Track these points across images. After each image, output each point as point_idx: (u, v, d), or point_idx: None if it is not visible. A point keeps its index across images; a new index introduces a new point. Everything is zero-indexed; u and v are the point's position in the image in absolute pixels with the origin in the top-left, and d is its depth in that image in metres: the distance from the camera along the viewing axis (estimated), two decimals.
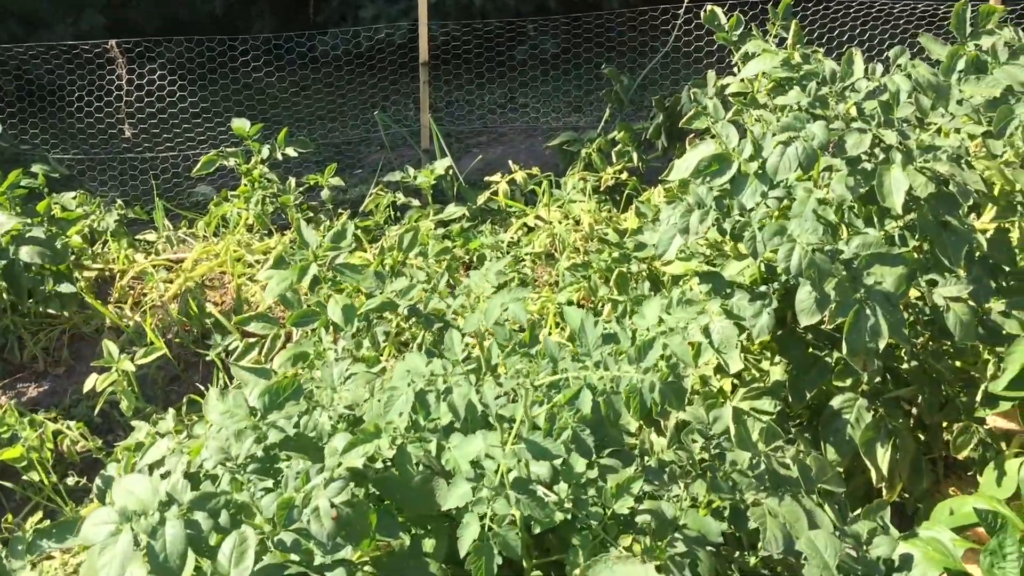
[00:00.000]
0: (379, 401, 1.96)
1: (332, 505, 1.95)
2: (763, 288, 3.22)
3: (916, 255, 3.25)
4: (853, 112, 3.23)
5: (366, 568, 2.33)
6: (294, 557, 2.14)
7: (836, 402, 3.29)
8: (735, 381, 3.69)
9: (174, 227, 5.45)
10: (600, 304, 4.59)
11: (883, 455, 3.21)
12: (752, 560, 2.96)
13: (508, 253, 4.99)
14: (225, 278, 4.91)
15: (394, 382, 1.96)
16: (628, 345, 2.35)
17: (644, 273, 4.37)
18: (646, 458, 2.78)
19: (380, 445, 2.06)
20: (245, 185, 5.32)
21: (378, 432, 2.07)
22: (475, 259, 4.96)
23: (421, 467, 2.42)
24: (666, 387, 1.94)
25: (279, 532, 2.11)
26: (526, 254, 4.95)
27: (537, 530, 2.27)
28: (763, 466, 2.57)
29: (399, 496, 2.32)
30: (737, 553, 2.92)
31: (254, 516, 2.09)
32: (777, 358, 3.47)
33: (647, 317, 2.25)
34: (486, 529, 1.90)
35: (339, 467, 2.22)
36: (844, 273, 3.00)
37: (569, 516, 2.31)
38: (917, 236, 3.13)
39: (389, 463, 2.31)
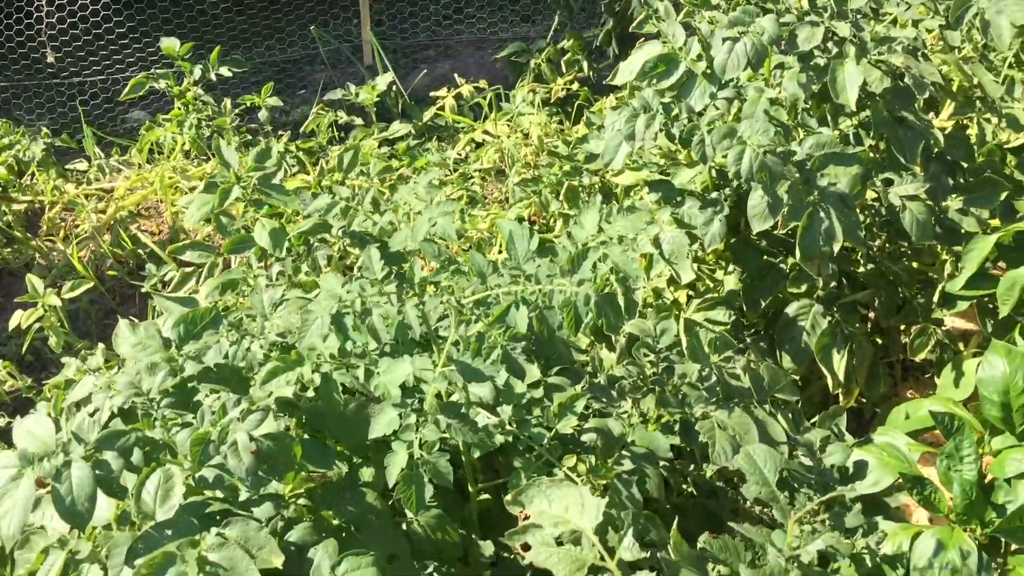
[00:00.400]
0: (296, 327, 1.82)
1: (251, 439, 1.82)
2: (714, 195, 3.09)
3: (872, 154, 3.14)
4: (805, 4, 3.07)
5: (300, 501, 2.22)
6: (218, 494, 2.02)
7: (791, 309, 3.20)
8: (690, 293, 3.59)
9: (106, 155, 5.20)
10: (552, 220, 4.45)
11: (839, 361, 3.14)
12: (708, 473, 2.89)
13: (455, 171, 4.82)
14: (161, 207, 4.69)
15: (311, 306, 1.82)
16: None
17: (596, 186, 4.23)
18: (596, 375, 2.69)
19: (303, 373, 1.92)
20: (178, 108, 5.06)
21: (300, 359, 1.93)
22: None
23: (357, 395, 2.30)
24: (602, 299, 1.81)
25: (199, 469, 1.99)
26: (475, 171, 4.77)
27: (477, 454, 2.16)
28: (714, 378, 2.48)
29: (332, 426, 2.20)
30: (692, 467, 2.85)
31: (172, 454, 1.96)
32: (731, 267, 3.36)
33: (586, 227, 2.11)
34: (415, 457, 1.78)
35: (269, 397, 2.09)
36: (797, 175, 2.87)
37: (511, 438, 2.21)
38: (872, 134, 3.00)
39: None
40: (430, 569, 2.26)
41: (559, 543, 1.49)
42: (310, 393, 2.24)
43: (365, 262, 1.87)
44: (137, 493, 2.04)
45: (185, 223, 2.67)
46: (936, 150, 3.10)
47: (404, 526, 2.26)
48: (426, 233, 2.02)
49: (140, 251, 4.21)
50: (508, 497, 1.59)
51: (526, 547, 1.52)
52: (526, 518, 1.57)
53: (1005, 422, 2.26)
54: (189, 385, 2.07)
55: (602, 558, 1.44)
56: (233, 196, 2.58)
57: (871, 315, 3.52)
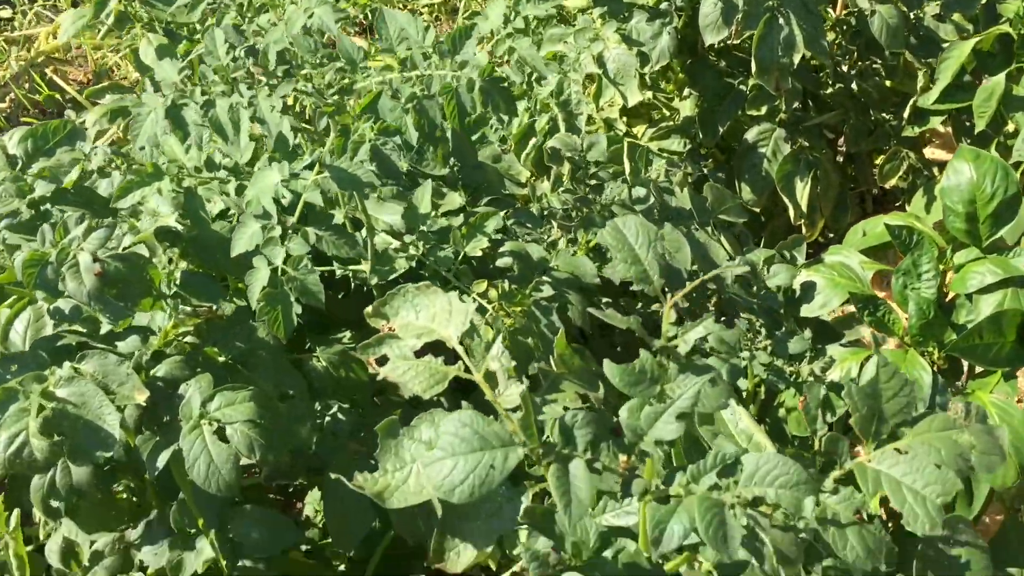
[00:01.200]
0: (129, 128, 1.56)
1: (95, 259, 1.59)
2: (664, 5, 2.78)
3: None
4: None
5: (187, 339, 2.01)
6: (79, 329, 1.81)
7: (751, 135, 2.93)
8: (647, 125, 3.32)
9: (31, 1, 4.83)
10: (504, 57, 4.14)
11: (802, 189, 2.89)
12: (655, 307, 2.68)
13: (404, 7, 4.46)
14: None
15: (143, 98, 1.55)
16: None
17: (554, 18, 3.90)
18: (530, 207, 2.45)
19: (161, 188, 1.68)
20: None
21: (158, 173, 1.68)
22: (369, 16, 4.43)
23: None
24: (489, 85, 1.55)
25: (54, 300, 1.77)
26: (423, 7, 4.42)
27: (374, 281, 1.94)
28: (652, 199, 2.23)
29: (220, 256, 1.97)
30: (640, 304, 2.64)
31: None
32: (687, 91, 3.07)
33: (491, 18, 1.82)
34: (279, 274, 1.55)
35: (156, 221, 1.86)
36: None
37: (416, 264, 1.99)
38: None
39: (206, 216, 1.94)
40: (334, 409, 2.07)
41: (419, 355, 1.29)
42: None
43: (208, 46, 1.60)
44: (4, 333, 1.84)
45: (59, 40, 2.39)
46: None
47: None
48: (302, 26, 1.73)
49: (63, 97, 3.92)
50: (368, 309, 1.38)
51: (382, 361, 1.32)
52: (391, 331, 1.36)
53: (970, 235, 2.02)
54: (43, 208, 1.83)
55: (467, 370, 1.24)
56: (111, 6, 2.27)
57: (841, 145, 3.25)
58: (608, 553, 1.06)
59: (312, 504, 2.35)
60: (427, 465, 0.99)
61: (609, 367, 1.06)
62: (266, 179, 1.62)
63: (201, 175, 1.73)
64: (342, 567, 2.39)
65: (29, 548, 2.24)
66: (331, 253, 1.60)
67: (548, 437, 1.00)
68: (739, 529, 0.90)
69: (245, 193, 1.70)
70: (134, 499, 2.18)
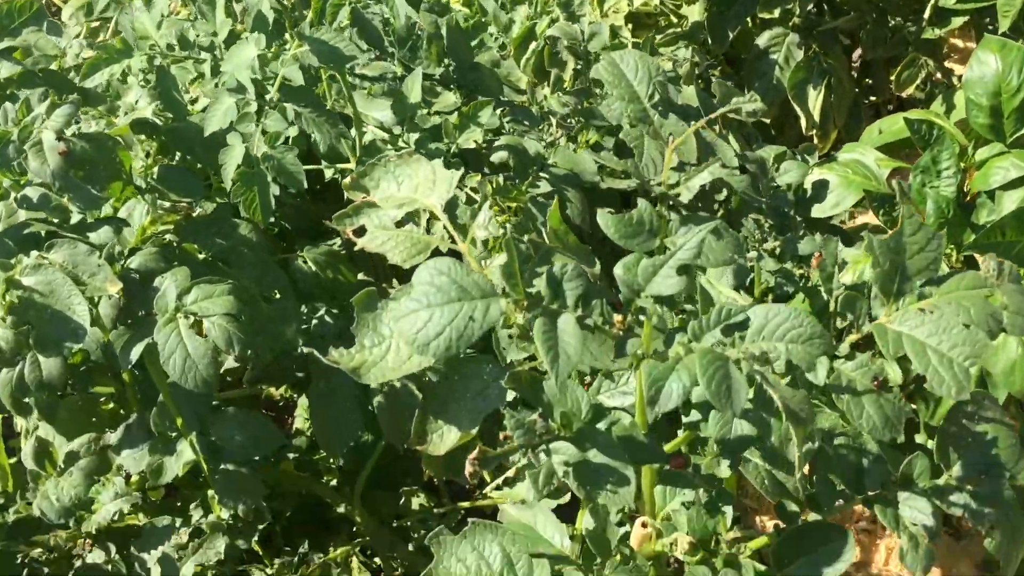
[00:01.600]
0: None
1: (60, 138, 1.49)
2: None
3: None
4: None
5: (167, 236, 1.92)
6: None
7: (762, 40, 2.80)
8: (654, 33, 3.19)
9: None
10: None
11: (815, 98, 2.77)
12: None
13: None
14: None
15: None
16: None
17: None
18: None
19: (130, 66, 1.57)
20: None
21: (128, 50, 1.57)
22: None
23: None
24: None
25: (21, 188, 1.67)
26: None
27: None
28: (657, 96, 2.11)
29: (199, 149, 1.86)
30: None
31: None
32: None
33: None
34: (255, 151, 1.45)
35: (131, 114, 1.76)
36: None
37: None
38: None
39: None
40: (321, 312, 1.98)
41: (399, 225, 1.19)
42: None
43: None
44: None
45: None
46: None
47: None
48: None
49: (47, 10, 3.78)
50: (347, 180, 1.27)
51: (360, 233, 1.22)
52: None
53: (993, 130, 1.91)
54: (9, 92, 1.72)
55: (452, 239, 1.14)
56: None
57: (857, 56, 3.11)
58: (601, 426, 0.98)
59: (302, 415, 2.28)
60: (400, 318, 0.90)
61: (603, 217, 0.96)
62: (242, 53, 1.52)
63: (174, 53, 1.61)
64: (334, 482, 2.34)
65: (13, 460, 2.18)
66: (311, 132, 1.49)
67: (536, 292, 0.90)
68: (744, 384, 0.81)
69: (221, 70, 1.59)
70: (120, 411, 2.12)
